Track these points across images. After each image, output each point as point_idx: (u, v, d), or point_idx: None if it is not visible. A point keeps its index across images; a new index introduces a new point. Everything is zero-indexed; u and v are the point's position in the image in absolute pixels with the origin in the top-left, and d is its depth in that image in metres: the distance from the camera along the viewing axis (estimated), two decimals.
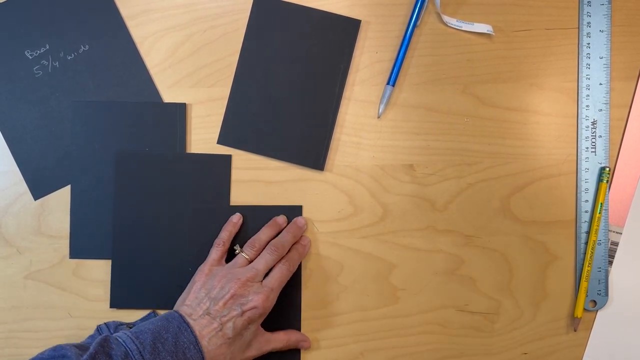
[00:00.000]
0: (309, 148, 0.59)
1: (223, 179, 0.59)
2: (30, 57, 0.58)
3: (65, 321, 0.59)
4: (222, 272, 0.53)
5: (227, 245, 0.57)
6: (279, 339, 0.56)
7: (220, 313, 0.51)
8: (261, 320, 0.53)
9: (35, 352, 0.48)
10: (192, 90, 0.60)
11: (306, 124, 0.59)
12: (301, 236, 0.59)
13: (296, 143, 0.59)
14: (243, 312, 0.51)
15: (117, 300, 0.59)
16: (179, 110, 0.59)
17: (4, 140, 0.59)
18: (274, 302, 0.53)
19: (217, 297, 0.51)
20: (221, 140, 0.59)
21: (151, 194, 0.59)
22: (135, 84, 0.59)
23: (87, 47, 0.59)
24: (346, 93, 0.60)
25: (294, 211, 0.59)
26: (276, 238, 0.57)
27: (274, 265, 0.55)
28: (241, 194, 0.60)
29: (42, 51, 0.58)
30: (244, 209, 0.59)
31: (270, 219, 0.59)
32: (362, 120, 0.60)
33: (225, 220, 0.58)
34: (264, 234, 0.57)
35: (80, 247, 0.59)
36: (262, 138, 0.59)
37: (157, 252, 0.59)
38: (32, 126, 0.59)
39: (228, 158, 0.59)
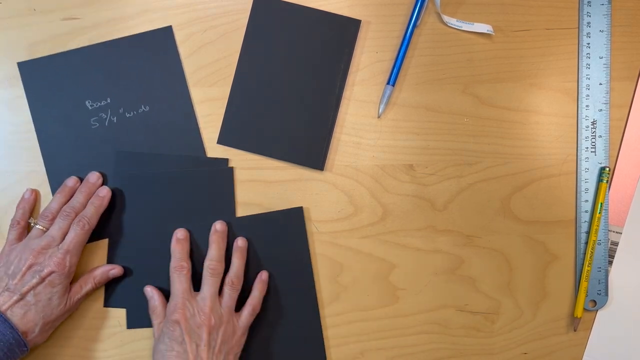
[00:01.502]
0: (309, 148, 0.59)
1: (228, 192, 0.59)
2: (90, 108, 0.59)
3: (65, 321, 0.59)
4: (19, 248, 0.55)
5: (23, 223, 0.57)
6: (86, 280, 0.57)
7: (20, 285, 0.52)
8: (67, 281, 0.55)
9: (35, 352, 0.48)
10: (192, 90, 0.60)
11: (306, 124, 0.59)
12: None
13: (296, 143, 0.59)
14: (42, 279, 0.53)
15: (133, 321, 0.59)
16: (226, 173, 0.59)
17: (48, 183, 0.59)
18: (74, 263, 0.54)
19: (15, 272, 0.53)
20: (221, 140, 0.59)
21: (152, 210, 0.59)
22: (184, 139, 0.59)
23: (147, 108, 0.59)
24: (346, 93, 0.60)
25: (296, 213, 0.59)
26: (69, 201, 0.57)
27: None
28: (241, 193, 0.60)
29: (102, 104, 0.59)
30: (249, 220, 0.59)
31: (273, 226, 0.59)
32: (362, 120, 0.60)
33: (232, 233, 0.59)
34: (55, 201, 0.57)
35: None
36: (261, 138, 0.59)
37: (161, 268, 0.58)
38: (75, 171, 0.59)
39: (230, 171, 0.59)
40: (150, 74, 0.59)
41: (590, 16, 0.61)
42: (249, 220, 0.59)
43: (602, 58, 0.61)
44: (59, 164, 0.59)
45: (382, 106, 0.60)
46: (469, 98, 0.61)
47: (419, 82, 0.61)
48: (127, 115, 0.59)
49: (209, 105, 0.60)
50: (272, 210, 0.59)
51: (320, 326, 0.59)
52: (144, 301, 0.57)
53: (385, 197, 0.60)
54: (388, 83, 0.60)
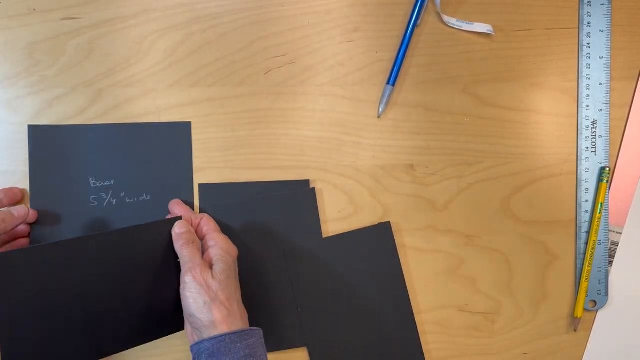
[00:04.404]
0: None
1: (313, 212, 0.59)
2: (92, 185, 0.58)
3: None
4: None
5: None
6: None
7: None
8: None
9: None
10: (192, 90, 0.60)
11: None
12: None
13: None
14: None
15: None
16: (309, 194, 0.59)
17: None
18: None
19: None
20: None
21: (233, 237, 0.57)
22: None
23: (148, 197, 0.58)
24: (346, 93, 0.60)
25: (384, 227, 0.58)
26: None
27: None
28: None
29: (105, 184, 0.58)
30: (337, 239, 0.59)
31: (362, 242, 0.59)
32: (362, 120, 0.60)
33: (321, 255, 0.58)
34: None
35: None
36: None
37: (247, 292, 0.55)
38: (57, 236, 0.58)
39: (312, 191, 0.59)
40: (159, 165, 0.59)
41: (590, 16, 0.61)
42: (337, 239, 0.59)
43: (602, 58, 0.61)
44: (46, 231, 0.58)
45: (382, 106, 0.60)
46: (469, 98, 0.60)
47: (419, 82, 0.61)
48: (127, 201, 0.58)
49: (209, 105, 0.60)
50: None
51: (419, 338, 0.59)
52: None
53: (385, 197, 0.60)
54: (388, 83, 0.60)
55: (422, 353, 0.59)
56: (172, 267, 0.53)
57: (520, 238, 0.60)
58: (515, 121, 0.61)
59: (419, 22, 0.60)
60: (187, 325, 0.54)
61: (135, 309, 0.52)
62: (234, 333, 0.48)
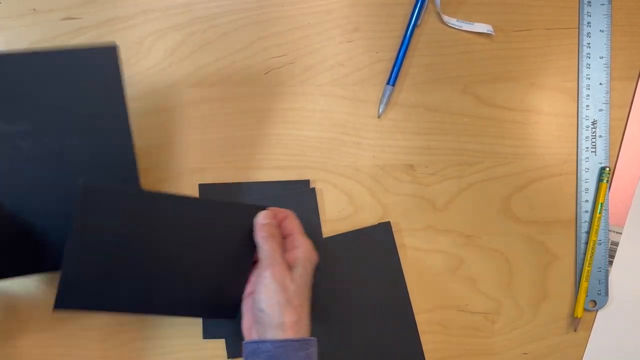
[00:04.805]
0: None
1: (313, 213, 0.59)
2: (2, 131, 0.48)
3: (65, 321, 0.59)
4: None
5: None
6: None
7: None
8: None
9: (35, 352, 0.48)
10: (192, 90, 0.60)
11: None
12: None
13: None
14: None
15: (234, 351, 0.57)
16: (309, 194, 0.57)
17: None
18: None
19: None
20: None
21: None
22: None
23: (77, 141, 0.49)
24: (346, 93, 0.60)
25: (384, 227, 0.59)
26: None
27: None
28: None
29: (21, 129, 0.48)
30: (338, 239, 0.59)
31: (362, 242, 0.58)
32: (362, 120, 0.60)
33: (321, 254, 0.54)
34: None
35: None
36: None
37: None
38: None
39: (313, 191, 0.59)
40: (84, 103, 0.49)
41: (590, 16, 0.61)
42: (337, 239, 0.59)
43: (602, 58, 0.61)
44: None
45: (382, 106, 0.60)
46: (469, 98, 0.60)
47: (419, 82, 0.61)
48: (51, 147, 0.49)
49: (209, 105, 0.60)
50: None
51: (419, 338, 0.58)
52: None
53: (385, 197, 0.60)
54: (388, 83, 0.60)
55: (422, 353, 0.59)
56: (246, 254, 0.53)
57: (520, 238, 0.60)
58: (515, 121, 0.61)
59: (419, 22, 0.60)
60: (245, 318, 0.52)
61: (197, 282, 0.52)
62: (297, 340, 0.47)
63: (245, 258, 0.53)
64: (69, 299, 0.48)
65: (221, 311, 0.54)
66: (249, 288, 0.53)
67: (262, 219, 0.51)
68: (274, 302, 0.47)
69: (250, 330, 0.51)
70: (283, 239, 0.53)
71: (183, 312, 0.53)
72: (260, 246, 0.50)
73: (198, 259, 0.51)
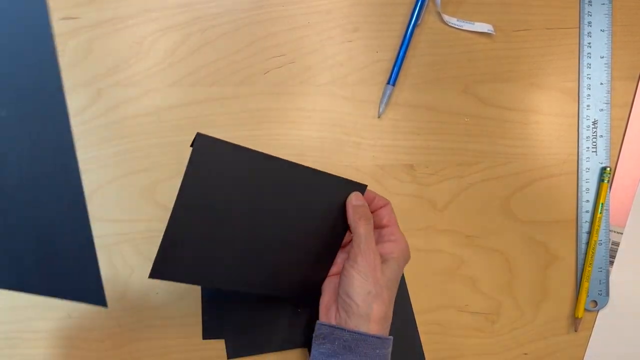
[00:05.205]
0: None
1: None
2: None
3: (65, 322, 0.59)
4: None
5: None
6: None
7: None
8: None
9: (35, 352, 0.48)
10: (191, 90, 0.60)
11: None
12: None
13: None
14: None
15: (234, 351, 0.54)
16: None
17: None
18: None
19: None
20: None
21: None
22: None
23: (4, 112, 0.42)
24: (346, 93, 0.60)
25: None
26: None
27: None
28: None
29: None
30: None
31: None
32: (362, 120, 0.60)
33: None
34: None
35: None
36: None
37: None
38: None
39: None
40: (9, 66, 0.41)
41: (591, 15, 0.61)
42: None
43: (603, 57, 0.61)
44: None
45: (382, 106, 0.60)
46: (469, 98, 0.60)
47: (419, 82, 0.60)
48: None
49: (209, 105, 0.60)
50: None
51: (419, 338, 0.58)
52: (242, 329, 0.54)
53: (385, 197, 0.60)
54: (388, 83, 0.60)
55: (422, 353, 0.59)
56: (338, 233, 0.49)
57: (521, 238, 0.60)
58: (516, 121, 0.61)
59: (419, 22, 0.60)
60: (325, 297, 0.49)
61: (289, 257, 0.48)
62: (379, 338, 0.45)
63: (337, 237, 0.49)
64: (168, 269, 0.43)
65: (303, 290, 0.50)
66: (334, 268, 0.51)
67: (355, 200, 0.48)
68: (364, 290, 0.44)
69: (327, 310, 0.48)
70: (376, 229, 0.49)
71: (271, 290, 0.48)
72: (355, 229, 0.47)
73: (296, 232, 0.47)
